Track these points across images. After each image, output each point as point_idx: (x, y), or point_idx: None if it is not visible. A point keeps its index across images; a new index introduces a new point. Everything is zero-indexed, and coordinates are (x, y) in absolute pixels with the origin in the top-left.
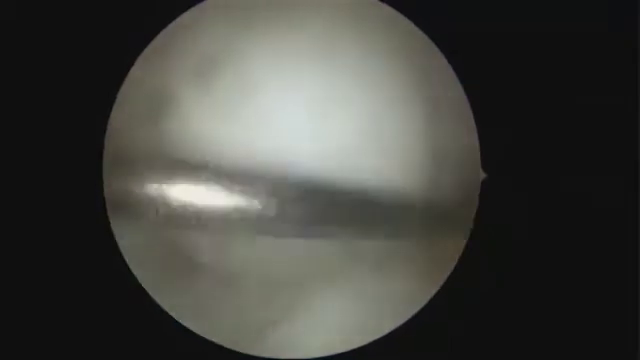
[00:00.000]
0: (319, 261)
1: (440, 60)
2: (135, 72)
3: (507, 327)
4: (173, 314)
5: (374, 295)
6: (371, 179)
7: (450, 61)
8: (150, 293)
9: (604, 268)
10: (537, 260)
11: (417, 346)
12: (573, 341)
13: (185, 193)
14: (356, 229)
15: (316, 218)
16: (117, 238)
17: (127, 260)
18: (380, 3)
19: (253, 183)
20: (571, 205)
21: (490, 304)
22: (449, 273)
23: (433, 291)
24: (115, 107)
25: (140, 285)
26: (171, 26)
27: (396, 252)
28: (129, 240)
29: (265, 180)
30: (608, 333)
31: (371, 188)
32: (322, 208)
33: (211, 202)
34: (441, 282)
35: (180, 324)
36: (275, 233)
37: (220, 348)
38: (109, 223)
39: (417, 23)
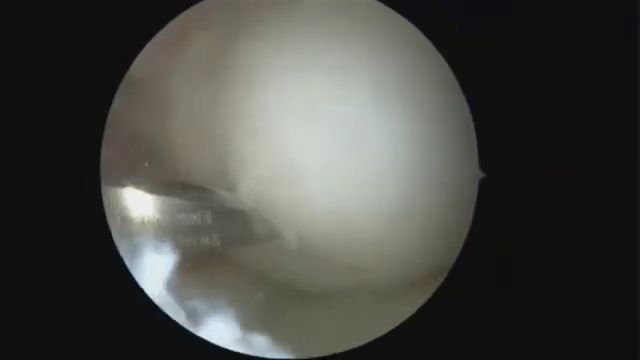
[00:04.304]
0: None
1: (439, 60)
2: (134, 71)
3: (507, 327)
4: None
5: None
6: None
7: (450, 61)
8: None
9: (604, 268)
10: (537, 260)
11: (417, 346)
12: (573, 341)
13: None
14: None
15: None
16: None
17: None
18: (379, 3)
19: None
20: (571, 205)
21: (490, 304)
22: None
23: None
24: (113, 107)
25: (139, 285)
26: (170, 25)
27: None
28: None
29: None
30: (608, 333)
31: None
32: None
33: None
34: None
35: (180, 325)
36: None
37: (220, 348)
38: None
39: (416, 23)
